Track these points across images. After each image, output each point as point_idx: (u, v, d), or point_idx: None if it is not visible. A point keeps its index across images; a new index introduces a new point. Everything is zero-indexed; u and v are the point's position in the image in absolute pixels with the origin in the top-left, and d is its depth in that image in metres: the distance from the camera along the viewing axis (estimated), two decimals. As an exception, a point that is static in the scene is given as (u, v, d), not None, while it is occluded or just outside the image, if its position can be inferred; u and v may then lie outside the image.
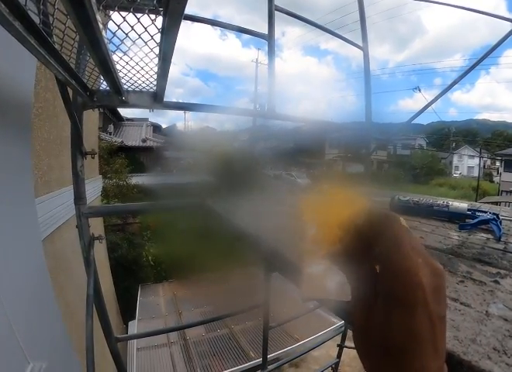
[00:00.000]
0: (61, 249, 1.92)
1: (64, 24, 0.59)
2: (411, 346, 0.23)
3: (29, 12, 0.51)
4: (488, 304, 0.57)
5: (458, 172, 29.48)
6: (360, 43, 1.96)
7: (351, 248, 0.28)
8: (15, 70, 0.93)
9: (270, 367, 1.75)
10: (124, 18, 0.57)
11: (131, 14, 0.56)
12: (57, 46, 0.66)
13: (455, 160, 30.49)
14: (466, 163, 29.83)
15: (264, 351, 1.62)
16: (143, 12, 0.55)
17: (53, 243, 1.79)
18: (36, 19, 0.54)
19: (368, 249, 0.26)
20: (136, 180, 8.33)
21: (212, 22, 1.54)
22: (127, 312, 4.92)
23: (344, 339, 2.17)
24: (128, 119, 15.95)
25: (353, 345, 0.28)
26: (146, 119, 15.69)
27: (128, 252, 6.40)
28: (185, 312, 4.90)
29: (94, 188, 3.48)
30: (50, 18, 0.58)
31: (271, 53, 1.54)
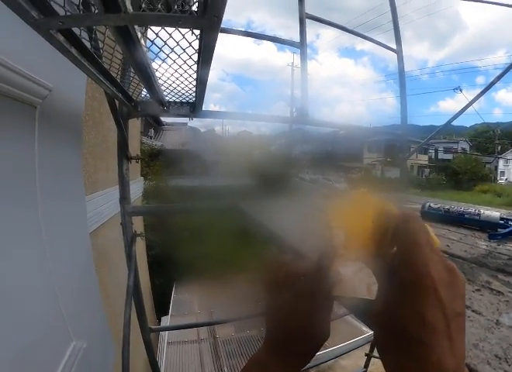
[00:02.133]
0: (103, 245, 2.09)
1: (113, 48, 0.69)
2: (426, 337, 0.23)
3: (82, 40, 0.61)
4: (500, 314, 0.57)
5: (504, 178, 26.85)
6: (394, 45, 1.93)
7: (376, 246, 0.31)
8: (68, 86, 1.06)
9: None
10: (165, 42, 0.65)
11: (171, 31, 0.64)
12: (105, 66, 0.76)
13: (501, 164, 27.86)
14: (513, 168, 27.23)
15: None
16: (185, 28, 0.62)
17: (96, 239, 1.96)
18: (88, 45, 0.64)
19: (390, 246, 0.29)
20: (176, 182, 8.68)
21: (246, 34, 1.62)
22: (161, 308, 5.13)
23: (372, 348, 2.12)
24: (168, 124, 16.64)
25: None
26: (185, 124, 16.25)
27: (165, 250, 6.66)
28: (217, 311, 5.01)
29: (135, 189, 3.71)
30: (100, 44, 0.68)
31: (303, 60, 1.57)
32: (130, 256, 1.26)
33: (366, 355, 2.15)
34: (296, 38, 1.57)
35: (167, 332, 4.15)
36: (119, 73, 0.89)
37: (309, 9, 1.57)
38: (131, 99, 1.05)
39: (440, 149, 25.83)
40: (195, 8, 0.46)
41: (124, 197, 1.26)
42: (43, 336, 0.86)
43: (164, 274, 6.12)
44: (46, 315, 0.88)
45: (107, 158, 2.25)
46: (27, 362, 0.76)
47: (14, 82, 0.74)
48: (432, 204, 1.35)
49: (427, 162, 24.96)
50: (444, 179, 21.39)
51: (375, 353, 2.11)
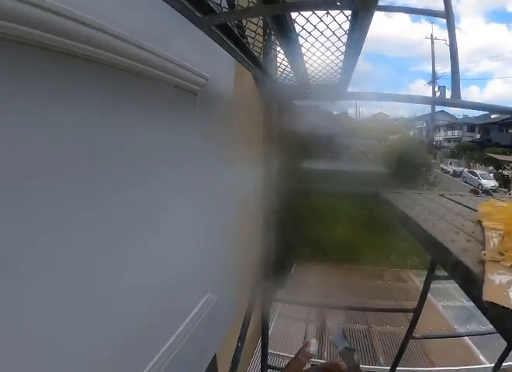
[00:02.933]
0: (240, 216, 2.35)
1: (262, 35, 0.73)
2: None
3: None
4: None
5: None
6: None
7: None
8: (220, 74, 1.19)
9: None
10: (315, 26, 0.64)
11: (321, 15, 0.61)
12: (255, 54, 0.81)
13: None
14: None
15: (396, 360, 1.51)
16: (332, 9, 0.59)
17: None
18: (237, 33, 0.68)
19: None
20: (307, 164, 8.78)
21: (402, 9, 1.45)
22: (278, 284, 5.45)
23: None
24: (300, 107, 16.70)
25: None
26: (317, 106, 16.02)
27: (292, 230, 6.92)
28: (332, 297, 5.02)
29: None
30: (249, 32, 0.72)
31: (451, 32, 1.26)
32: (266, 231, 1.37)
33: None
34: (432, 3, 1.28)
35: (279, 304, 4.41)
36: (265, 58, 0.94)
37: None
38: (276, 84, 1.10)
39: None
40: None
41: (271, 175, 1.36)
42: (190, 283, 1.06)
43: (288, 253, 6.41)
44: (193, 268, 1.08)
45: (248, 138, 2.48)
46: (176, 298, 0.96)
47: (182, 75, 0.88)
48: None
49: None
50: None
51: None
